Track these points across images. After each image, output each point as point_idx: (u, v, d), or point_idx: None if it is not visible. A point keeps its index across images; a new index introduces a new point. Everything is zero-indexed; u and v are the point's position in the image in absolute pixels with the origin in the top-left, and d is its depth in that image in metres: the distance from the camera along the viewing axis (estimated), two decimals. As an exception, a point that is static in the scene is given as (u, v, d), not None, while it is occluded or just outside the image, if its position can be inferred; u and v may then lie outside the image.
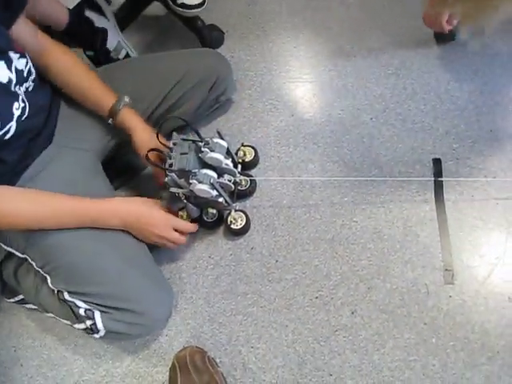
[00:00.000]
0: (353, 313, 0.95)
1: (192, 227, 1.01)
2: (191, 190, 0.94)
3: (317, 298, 0.98)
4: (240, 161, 1.10)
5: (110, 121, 1.03)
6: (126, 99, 1.02)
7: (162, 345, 1.01)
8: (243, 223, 1.05)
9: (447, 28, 1.10)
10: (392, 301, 0.95)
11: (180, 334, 1.01)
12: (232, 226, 1.05)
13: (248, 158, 1.14)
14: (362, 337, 0.93)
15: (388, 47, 1.27)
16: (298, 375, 0.93)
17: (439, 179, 1.03)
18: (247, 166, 1.15)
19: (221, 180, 0.98)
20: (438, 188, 1.03)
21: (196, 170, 0.93)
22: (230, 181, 1.01)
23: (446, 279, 0.95)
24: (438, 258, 0.97)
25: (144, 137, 1.02)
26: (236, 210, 1.06)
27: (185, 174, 0.93)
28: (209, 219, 1.07)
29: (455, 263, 0.96)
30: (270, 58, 1.34)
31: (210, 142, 0.97)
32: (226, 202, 1.01)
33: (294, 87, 1.27)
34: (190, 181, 0.92)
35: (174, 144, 0.98)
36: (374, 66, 1.25)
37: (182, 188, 0.95)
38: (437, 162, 1.06)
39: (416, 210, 1.03)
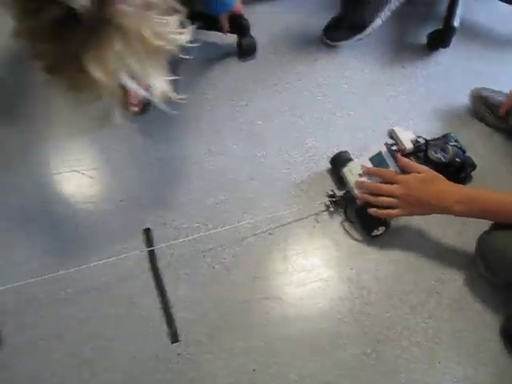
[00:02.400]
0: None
1: None
2: None
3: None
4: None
5: None
6: None
7: None
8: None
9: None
10: (125, 378, 0.97)
11: None
12: None
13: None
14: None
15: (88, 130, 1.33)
16: None
17: (148, 249, 1.10)
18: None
19: None
20: (151, 256, 1.11)
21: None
22: None
23: (172, 339, 1.01)
24: (162, 321, 1.03)
25: None
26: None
27: None
28: None
29: (177, 322, 1.03)
30: None
31: None
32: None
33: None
34: None
35: None
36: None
37: None
38: (146, 231, 1.14)
39: (136, 283, 1.08)
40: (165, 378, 0.97)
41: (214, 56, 1.44)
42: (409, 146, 1.09)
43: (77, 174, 1.23)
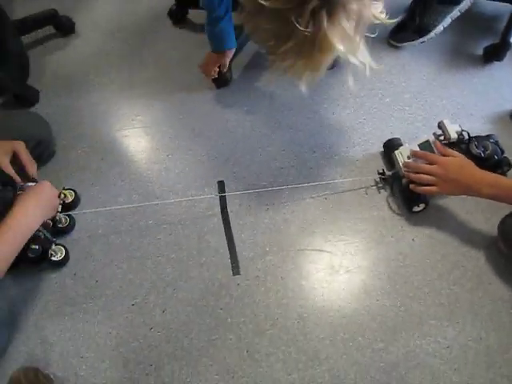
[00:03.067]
0: (163, 311, 1.16)
1: None
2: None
3: (133, 305, 1.18)
4: (61, 202, 1.26)
5: None
6: None
7: (-3, 377, 1.10)
8: (63, 255, 1.22)
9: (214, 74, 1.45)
10: (194, 296, 1.18)
11: (14, 361, 1.11)
12: (52, 259, 1.20)
13: (69, 200, 1.31)
14: (173, 329, 1.14)
15: (178, 100, 1.56)
16: (124, 372, 1.10)
17: (221, 195, 1.31)
18: (69, 207, 1.31)
19: None
20: (223, 203, 1.31)
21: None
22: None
23: (234, 272, 1.21)
24: (227, 257, 1.23)
25: None
26: (56, 245, 1.22)
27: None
28: (33, 255, 1.20)
29: (239, 258, 1.23)
30: (81, 112, 1.54)
31: (25, 186, 1.14)
32: (45, 236, 1.17)
33: (102, 136, 1.49)
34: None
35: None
36: (168, 114, 1.53)
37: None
38: (220, 183, 1.35)
39: (207, 222, 1.29)
40: (224, 300, 1.17)
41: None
42: (454, 136, 1.24)
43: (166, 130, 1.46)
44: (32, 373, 1.05)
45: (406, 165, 1.25)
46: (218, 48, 1.40)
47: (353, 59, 0.91)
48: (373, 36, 0.93)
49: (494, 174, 1.14)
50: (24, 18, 1.68)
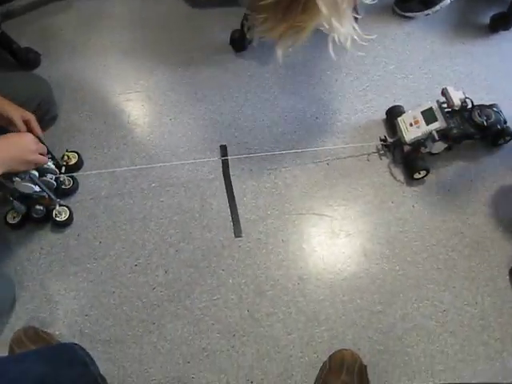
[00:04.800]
0: (166, 272, 1.18)
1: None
2: (15, 188, 1.09)
3: (136, 265, 1.19)
4: (65, 164, 1.28)
5: None
6: None
7: (4, 333, 1.12)
8: (67, 216, 1.23)
9: None
10: (196, 257, 1.20)
11: (20, 320, 1.14)
12: (57, 219, 1.22)
13: (72, 161, 1.31)
14: (175, 289, 1.16)
15: (180, 64, 1.55)
16: (127, 329, 1.12)
17: (224, 158, 1.32)
18: (73, 168, 1.31)
19: (43, 178, 1.15)
20: (225, 167, 1.32)
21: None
22: (51, 179, 1.18)
23: (236, 234, 1.23)
24: (229, 219, 1.25)
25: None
26: (60, 205, 1.23)
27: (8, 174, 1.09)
28: (37, 215, 1.22)
29: (241, 221, 1.24)
30: (83, 75, 1.53)
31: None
32: (49, 197, 1.18)
33: (104, 100, 1.48)
34: (14, 179, 1.08)
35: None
36: (171, 78, 1.52)
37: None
38: (223, 148, 1.35)
39: (209, 185, 1.30)
40: (226, 261, 1.19)
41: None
42: (457, 103, 1.23)
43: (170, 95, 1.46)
44: (32, 330, 1.08)
45: None
46: None
47: (337, 26, 0.89)
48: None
49: None
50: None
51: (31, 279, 1.19)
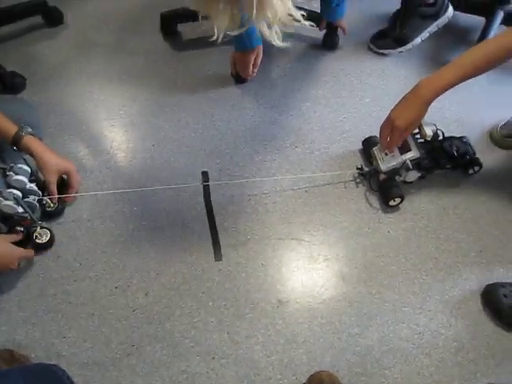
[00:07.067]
0: (146, 294, 1.19)
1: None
2: (-1, 208, 1.10)
3: (116, 287, 1.20)
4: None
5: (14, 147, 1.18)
6: (29, 129, 1.19)
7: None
8: (48, 238, 1.23)
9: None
10: (176, 280, 1.21)
11: (-5, 341, 1.13)
12: (37, 241, 1.22)
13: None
14: (155, 311, 1.16)
15: (165, 92, 1.59)
16: (106, 351, 1.11)
17: (205, 184, 1.34)
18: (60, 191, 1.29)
19: (26, 199, 1.16)
20: (206, 192, 1.34)
21: (1, 190, 1.10)
22: (34, 200, 1.19)
23: (216, 258, 1.25)
24: (209, 243, 1.27)
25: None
26: (42, 227, 1.24)
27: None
28: (17, 236, 1.22)
29: (222, 245, 1.26)
30: (68, 100, 1.56)
31: (14, 167, 1.15)
32: (31, 218, 1.19)
33: (89, 124, 1.51)
34: (-4, 199, 1.09)
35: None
36: (154, 106, 1.56)
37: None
38: (204, 174, 1.38)
39: (190, 210, 1.32)
40: (206, 284, 1.20)
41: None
42: (429, 133, 1.29)
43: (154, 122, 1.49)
44: (8, 352, 1.06)
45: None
46: (251, 45, 1.47)
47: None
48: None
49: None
50: (13, 5, 1.70)
51: (8, 300, 1.17)
